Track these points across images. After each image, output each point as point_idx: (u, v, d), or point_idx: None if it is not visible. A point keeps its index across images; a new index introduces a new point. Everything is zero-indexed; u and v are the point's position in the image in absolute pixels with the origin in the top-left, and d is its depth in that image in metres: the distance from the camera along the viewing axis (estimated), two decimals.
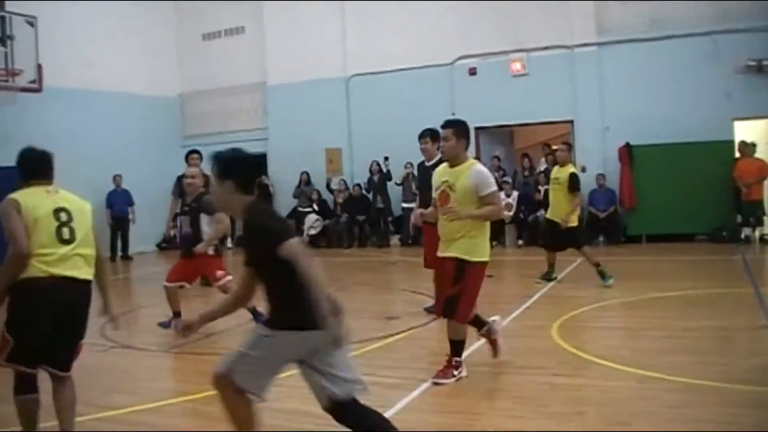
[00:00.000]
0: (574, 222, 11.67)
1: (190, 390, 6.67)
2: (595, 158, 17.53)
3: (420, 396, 6.20)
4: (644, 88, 16.98)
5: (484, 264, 6.58)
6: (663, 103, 16.71)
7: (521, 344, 7.89)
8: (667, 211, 16.46)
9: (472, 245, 6.43)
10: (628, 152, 16.95)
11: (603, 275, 11.33)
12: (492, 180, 6.54)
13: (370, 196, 19.22)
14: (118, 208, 19.21)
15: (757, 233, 16.16)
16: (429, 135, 9.66)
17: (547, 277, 11.93)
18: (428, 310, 9.82)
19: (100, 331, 9.71)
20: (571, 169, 11.92)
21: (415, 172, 18.13)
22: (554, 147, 19.74)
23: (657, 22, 16.99)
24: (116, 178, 19.32)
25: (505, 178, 17.69)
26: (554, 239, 11.94)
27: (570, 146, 12.79)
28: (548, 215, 12.23)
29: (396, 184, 18.75)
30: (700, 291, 10.44)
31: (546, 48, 17.95)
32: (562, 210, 11.64)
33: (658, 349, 7.43)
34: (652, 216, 16.68)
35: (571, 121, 17.95)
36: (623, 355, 7.13)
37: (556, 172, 12.03)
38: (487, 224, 6.58)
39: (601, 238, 16.99)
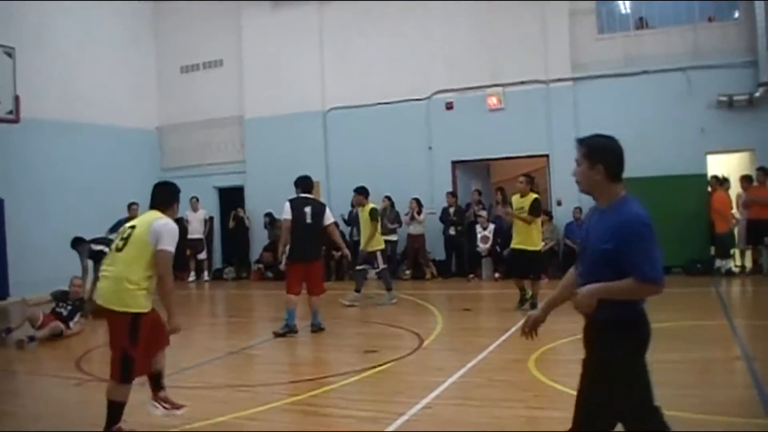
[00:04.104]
0: (538, 245, 12.39)
1: (166, 423, 6.62)
2: (571, 192, 17.58)
3: (397, 430, 6.19)
4: (619, 122, 17.03)
5: None
6: (637, 137, 16.78)
7: (498, 377, 7.92)
8: None
9: None
10: None
11: (534, 306, 11.61)
12: None
13: (349, 229, 19.21)
14: None
15: (730, 265, 16.30)
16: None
17: (522, 302, 12.23)
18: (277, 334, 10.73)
19: (76, 364, 9.69)
20: (533, 195, 12.50)
21: (394, 205, 18.31)
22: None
23: (631, 58, 17.27)
24: (132, 207, 16.81)
25: (481, 212, 17.78)
26: (522, 266, 12.33)
27: (531, 178, 13.11)
28: (513, 245, 12.57)
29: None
30: (676, 323, 10.49)
31: (522, 83, 18.17)
32: (529, 236, 12.18)
33: None
34: None
35: (547, 155, 18.10)
36: None
37: (519, 202, 12.43)
38: None
39: None
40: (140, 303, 6.01)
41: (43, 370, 9.98)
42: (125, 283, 5.96)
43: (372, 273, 14.75)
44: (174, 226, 6.25)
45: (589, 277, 4.03)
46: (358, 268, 14.12)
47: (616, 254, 3.89)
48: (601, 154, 4.16)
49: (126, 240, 6.11)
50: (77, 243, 14.38)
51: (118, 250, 6.12)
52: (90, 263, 14.15)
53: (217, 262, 21.97)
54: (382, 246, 14.29)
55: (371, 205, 13.56)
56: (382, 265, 14.16)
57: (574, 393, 6.85)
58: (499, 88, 18.38)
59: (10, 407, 7.90)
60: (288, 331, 10.97)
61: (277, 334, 10.87)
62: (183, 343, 11.96)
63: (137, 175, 21.32)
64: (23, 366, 10.22)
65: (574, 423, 4.31)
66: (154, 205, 6.41)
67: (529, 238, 12.20)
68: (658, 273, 3.84)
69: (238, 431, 6.46)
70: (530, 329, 4.69)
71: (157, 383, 6.64)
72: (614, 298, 3.93)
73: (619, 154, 4.17)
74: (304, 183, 11.59)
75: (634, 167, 16.53)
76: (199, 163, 21.91)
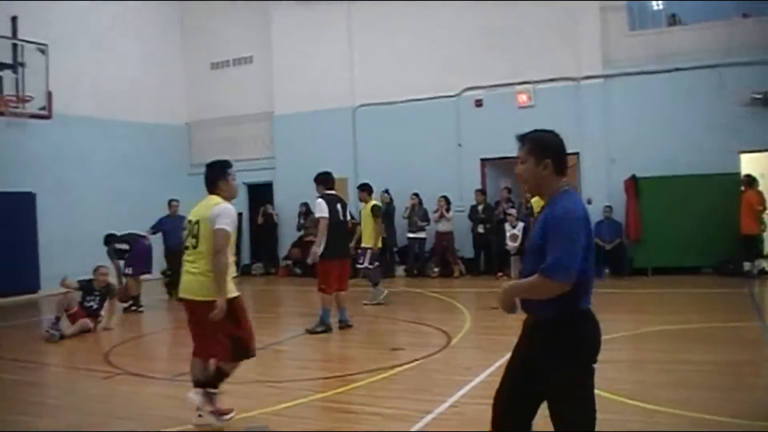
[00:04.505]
0: None
1: (194, 419, 6.64)
2: (601, 190, 17.53)
3: (423, 428, 6.17)
4: (650, 120, 17.01)
5: None
6: (669, 135, 16.74)
7: None
8: (673, 244, 16.42)
9: None
10: (634, 184, 16.93)
11: None
12: None
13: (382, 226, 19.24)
14: (172, 238, 15.37)
15: (763, 265, 16.09)
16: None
17: None
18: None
19: (105, 358, 9.78)
20: None
21: (423, 203, 18.28)
22: None
23: (663, 54, 17.04)
24: (172, 204, 16.27)
25: (510, 210, 17.69)
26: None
27: None
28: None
29: (403, 217, 18.72)
30: (706, 324, 10.41)
31: (552, 80, 18.01)
32: None
33: (663, 383, 7.39)
34: (658, 248, 16.63)
35: (577, 153, 17.95)
36: (629, 388, 7.08)
37: (540, 203, 11.95)
38: None
39: (606, 270, 16.93)
40: (229, 288, 6.29)
41: (73, 362, 10.08)
42: (209, 275, 6.23)
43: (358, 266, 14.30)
44: (227, 207, 6.44)
45: (526, 274, 3.92)
46: (369, 266, 13.84)
47: (543, 247, 3.79)
48: (547, 149, 4.09)
49: (196, 237, 6.38)
50: (109, 240, 14.49)
51: (194, 247, 6.39)
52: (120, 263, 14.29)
53: (246, 258, 22.06)
54: (377, 245, 13.86)
55: (373, 202, 13.39)
56: (368, 263, 13.88)
57: (604, 394, 6.85)
58: (529, 85, 18.26)
59: (38, 398, 7.99)
60: (324, 329, 10.96)
61: (310, 332, 10.83)
62: None
63: (166, 171, 21.56)
64: (53, 358, 10.32)
65: (495, 420, 4.17)
66: (207, 188, 6.81)
67: None
68: (559, 269, 3.68)
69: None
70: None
71: (217, 380, 6.70)
72: (529, 297, 3.87)
73: (563, 147, 4.12)
74: (328, 179, 11.40)
75: (665, 166, 16.46)
76: (228, 159, 21.92)
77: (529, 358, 3.99)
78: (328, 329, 10.99)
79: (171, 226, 15.53)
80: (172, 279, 15.56)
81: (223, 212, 6.33)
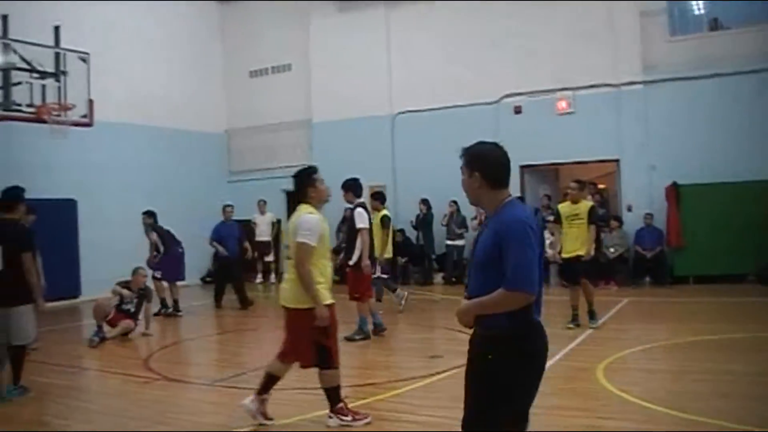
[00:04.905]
0: (592, 252, 11.56)
1: (234, 425, 6.69)
2: (641, 197, 17.35)
3: None
4: (691, 126, 16.80)
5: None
6: (711, 142, 16.51)
7: (565, 385, 7.80)
8: (715, 251, 16.18)
9: None
10: (675, 191, 16.74)
11: (594, 316, 11.43)
12: None
13: (416, 233, 19.23)
14: (226, 246, 15.74)
15: None
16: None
17: (575, 321, 11.51)
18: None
19: (144, 363, 9.86)
20: (590, 203, 12.04)
21: (461, 210, 18.24)
22: (600, 186, 19.64)
23: (703, 60, 16.81)
24: (226, 210, 16.20)
25: (549, 217, 17.54)
26: (574, 275, 11.70)
27: (583, 183, 12.50)
28: (566, 254, 11.75)
29: (442, 225, 18.68)
30: (748, 334, 10.24)
31: (592, 86, 17.87)
32: (583, 244, 11.43)
33: (703, 393, 7.28)
34: (699, 256, 16.39)
35: (617, 160, 17.81)
36: (669, 398, 6.98)
37: (573, 209, 11.66)
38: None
39: (647, 279, 16.76)
40: (322, 297, 6.41)
41: (112, 367, 10.15)
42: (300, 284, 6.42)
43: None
44: (308, 218, 6.54)
45: (475, 289, 3.89)
46: (383, 275, 13.49)
47: (497, 260, 3.75)
48: (476, 162, 4.08)
49: (289, 247, 6.64)
50: (151, 215, 14.68)
51: (289, 258, 6.63)
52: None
53: (284, 265, 22.10)
54: (384, 254, 13.52)
55: (384, 212, 13.22)
56: (380, 273, 13.24)
57: (644, 404, 6.77)
58: (569, 92, 18.14)
59: (78, 402, 8.09)
60: (363, 337, 10.97)
61: (349, 339, 10.80)
62: (250, 345, 12.15)
63: (206, 178, 21.77)
64: (93, 363, 10.43)
65: None
66: (297, 197, 6.89)
67: (582, 245, 11.46)
68: (523, 280, 3.67)
69: None
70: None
71: (268, 385, 6.83)
72: (493, 312, 3.80)
73: (495, 159, 4.08)
74: (357, 186, 11.24)
75: (707, 172, 16.20)
76: (267, 166, 22.13)
77: (476, 371, 4.00)
78: (366, 336, 11.00)
79: (226, 233, 15.72)
80: (218, 288, 15.76)
81: (302, 224, 6.48)
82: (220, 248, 15.54)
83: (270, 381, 6.74)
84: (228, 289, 15.62)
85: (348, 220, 11.52)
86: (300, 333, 6.46)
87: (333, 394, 6.63)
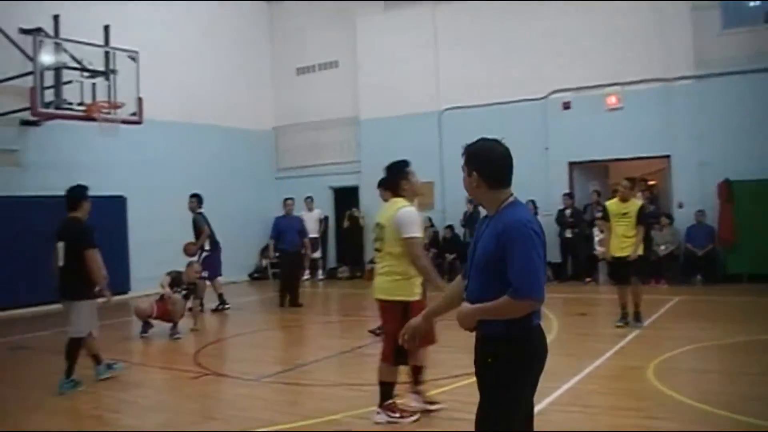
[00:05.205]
0: (639, 252, 11.28)
1: (280, 420, 6.71)
2: (693, 194, 17.06)
3: None
4: (745, 122, 16.46)
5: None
6: (764, 137, 16.15)
7: (615, 384, 7.71)
8: None
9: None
10: (727, 188, 16.43)
11: (639, 319, 11.17)
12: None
13: (463, 230, 19.14)
14: (286, 240, 15.49)
15: None
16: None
17: (625, 320, 11.27)
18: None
19: (193, 358, 9.95)
20: (639, 202, 11.79)
21: None
22: (651, 183, 19.39)
23: (758, 53, 16.47)
24: (287, 203, 16.09)
25: (597, 214, 17.35)
26: (623, 274, 11.41)
27: (634, 181, 12.21)
28: (615, 253, 11.45)
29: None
30: None
31: (642, 81, 17.61)
32: (632, 243, 11.18)
33: (758, 395, 7.13)
34: (754, 254, 16.05)
35: (668, 156, 17.54)
36: (721, 400, 6.84)
37: (622, 207, 11.39)
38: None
39: (698, 277, 16.48)
40: (408, 291, 6.49)
41: (162, 362, 10.28)
42: (394, 276, 6.50)
43: None
44: (409, 211, 6.61)
45: (476, 292, 3.79)
46: None
47: (500, 263, 3.62)
48: (474, 160, 3.91)
49: (381, 240, 6.65)
50: (200, 199, 14.82)
51: (378, 250, 6.69)
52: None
53: (332, 261, 22.21)
54: None
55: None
56: None
57: (695, 404, 6.65)
58: (618, 87, 17.90)
59: (130, 396, 8.17)
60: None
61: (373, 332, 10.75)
62: (298, 341, 12.20)
63: (253, 175, 21.93)
64: (143, 358, 10.56)
65: None
66: (390, 190, 7.11)
67: (631, 245, 11.18)
68: (531, 288, 3.55)
69: (350, 431, 6.46)
70: (410, 337, 4.36)
71: (416, 377, 6.91)
72: (496, 318, 3.71)
73: (494, 158, 3.88)
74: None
75: (761, 169, 15.85)
76: (314, 163, 22.23)
77: (480, 373, 3.93)
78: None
79: (286, 227, 15.52)
80: (284, 284, 15.51)
81: (406, 220, 6.52)
82: (271, 247, 15.61)
83: (416, 372, 6.86)
84: (272, 286, 15.61)
85: None
86: (388, 326, 6.50)
87: (385, 390, 6.60)
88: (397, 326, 6.20)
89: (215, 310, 14.63)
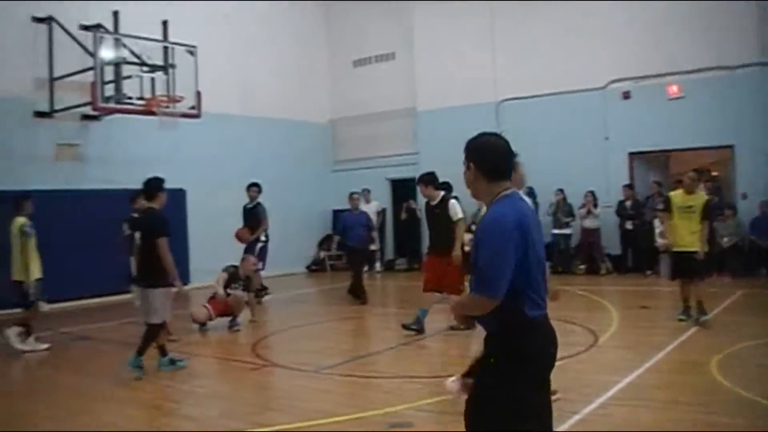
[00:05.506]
0: (706, 248, 10.94)
1: (339, 411, 6.74)
2: (757, 185, 16.67)
3: (570, 429, 6.02)
4: None
5: None
6: None
7: (677, 378, 7.59)
8: None
9: None
10: None
11: (704, 311, 10.77)
12: None
13: None
14: (353, 235, 15.14)
15: None
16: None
17: (687, 313, 11.00)
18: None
19: (252, 349, 10.05)
20: (705, 196, 11.46)
21: (568, 198, 17.98)
22: (713, 174, 19.03)
23: None
24: (353, 197, 15.60)
25: (659, 206, 17.05)
26: (686, 268, 11.01)
27: (701, 173, 11.75)
28: (679, 247, 11.08)
29: (547, 214, 18.37)
30: None
31: (705, 69, 17.23)
32: (697, 238, 10.81)
33: None
34: None
35: (731, 146, 17.17)
36: None
37: (687, 199, 10.97)
38: None
39: (763, 270, 16.12)
40: None
41: (221, 353, 10.41)
42: None
43: None
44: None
45: (472, 287, 3.71)
46: None
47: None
48: (472, 153, 3.85)
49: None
50: (258, 188, 15.04)
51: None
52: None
53: (389, 253, 22.23)
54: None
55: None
56: None
57: (762, 401, 6.50)
58: (680, 76, 17.57)
59: (189, 387, 8.28)
60: (467, 326, 10.87)
61: (454, 329, 10.60)
62: (357, 333, 12.24)
63: (311, 168, 22.05)
64: (202, 349, 10.67)
65: None
66: None
67: (696, 240, 10.79)
68: (486, 285, 3.50)
69: (408, 421, 6.46)
70: None
71: None
72: (468, 313, 3.78)
73: (492, 151, 3.83)
74: (434, 178, 11.06)
75: None
76: (372, 155, 22.24)
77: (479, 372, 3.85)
78: (470, 326, 10.88)
79: (352, 222, 15.21)
80: (354, 282, 15.09)
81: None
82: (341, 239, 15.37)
83: None
84: (330, 278, 15.66)
85: (431, 212, 11.14)
86: None
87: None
88: None
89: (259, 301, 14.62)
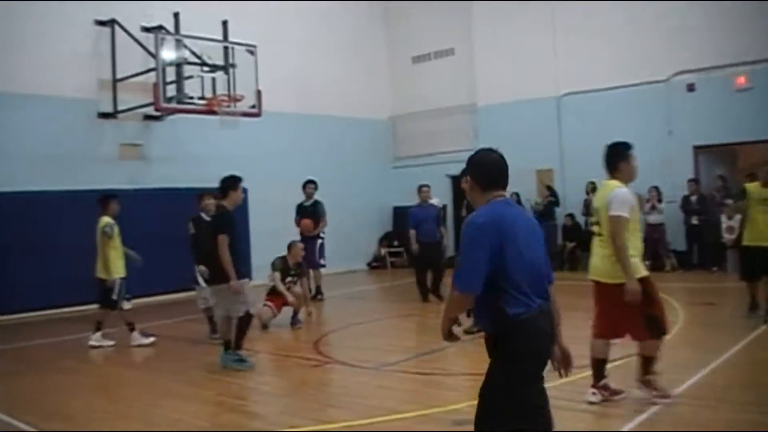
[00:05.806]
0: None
1: (402, 408, 6.73)
2: None
3: (635, 428, 5.92)
4: None
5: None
6: None
7: (746, 378, 7.42)
8: None
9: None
10: None
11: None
12: None
13: (584, 219, 18.71)
14: (424, 230, 14.45)
15: None
16: None
17: (754, 310, 10.67)
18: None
19: (314, 346, 10.10)
20: None
21: None
22: None
23: None
24: (422, 190, 14.80)
25: (726, 200, 16.67)
26: (757, 265, 10.58)
27: None
28: (749, 242, 10.67)
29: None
30: None
31: None
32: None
33: None
34: None
35: None
36: None
37: (765, 192, 10.51)
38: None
39: None
40: (635, 270, 6.37)
41: (283, 350, 10.47)
42: (613, 258, 6.43)
43: None
44: (620, 191, 6.56)
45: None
46: None
47: None
48: (469, 166, 4.21)
49: (599, 223, 6.70)
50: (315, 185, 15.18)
51: (599, 234, 6.71)
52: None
53: (450, 250, 22.13)
54: None
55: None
56: None
57: None
58: (747, 67, 17.15)
59: (252, 383, 8.35)
60: (478, 330, 10.78)
61: (468, 332, 10.51)
62: (419, 330, 12.20)
63: (371, 165, 22.06)
64: (264, 345, 10.74)
65: None
66: (607, 170, 6.95)
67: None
68: (457, 280, 3.84)
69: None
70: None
71: (646, 367, 6.77)
72: (453, 313, 4.07)
73: (486, 164, 4.15)
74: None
75: None
76: (432, 152, 22.16)
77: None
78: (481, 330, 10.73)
79: (423, 216, 14.53)
80: (421, 276, 14.57)
81: (615, 198, 6.51)
82: (413, 238, 14.46)
83: (598, 366, 6.73)
84: (391, 275, 15.63)
85: None
86: (625, 307, 6.35)
87: (647, 364, 6.64)
88: (642, 303, 6.32)
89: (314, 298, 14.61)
